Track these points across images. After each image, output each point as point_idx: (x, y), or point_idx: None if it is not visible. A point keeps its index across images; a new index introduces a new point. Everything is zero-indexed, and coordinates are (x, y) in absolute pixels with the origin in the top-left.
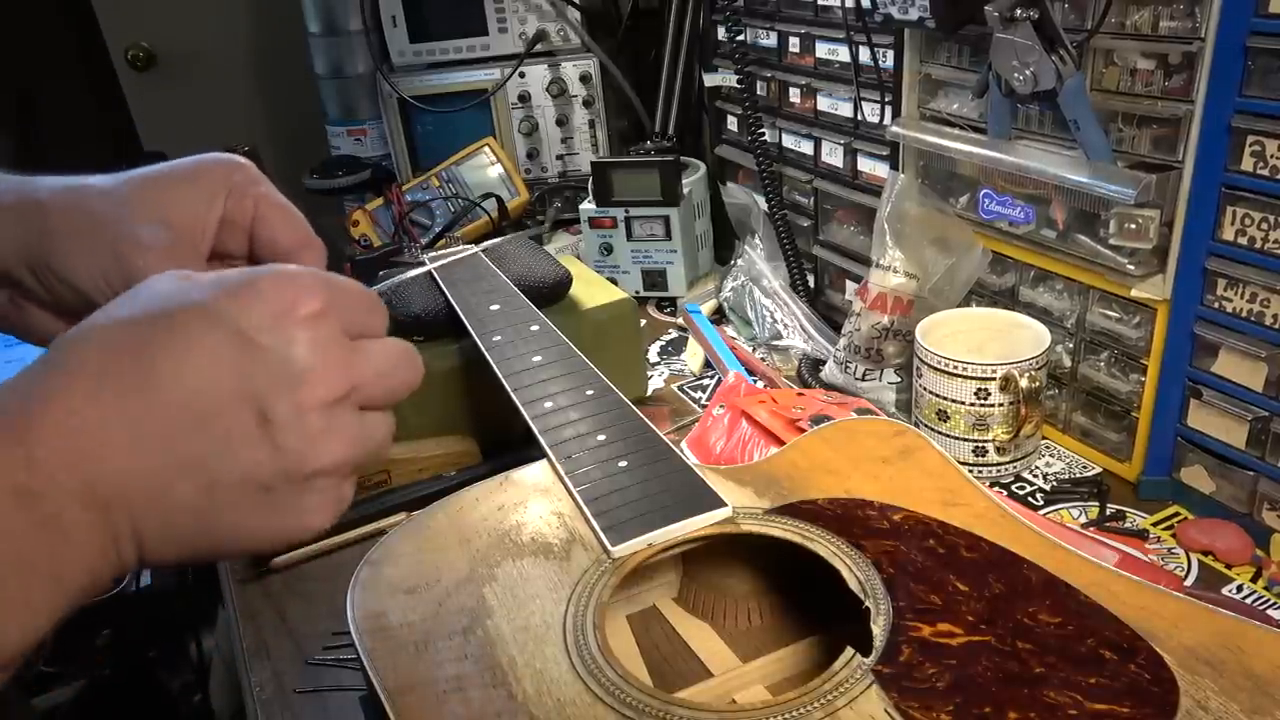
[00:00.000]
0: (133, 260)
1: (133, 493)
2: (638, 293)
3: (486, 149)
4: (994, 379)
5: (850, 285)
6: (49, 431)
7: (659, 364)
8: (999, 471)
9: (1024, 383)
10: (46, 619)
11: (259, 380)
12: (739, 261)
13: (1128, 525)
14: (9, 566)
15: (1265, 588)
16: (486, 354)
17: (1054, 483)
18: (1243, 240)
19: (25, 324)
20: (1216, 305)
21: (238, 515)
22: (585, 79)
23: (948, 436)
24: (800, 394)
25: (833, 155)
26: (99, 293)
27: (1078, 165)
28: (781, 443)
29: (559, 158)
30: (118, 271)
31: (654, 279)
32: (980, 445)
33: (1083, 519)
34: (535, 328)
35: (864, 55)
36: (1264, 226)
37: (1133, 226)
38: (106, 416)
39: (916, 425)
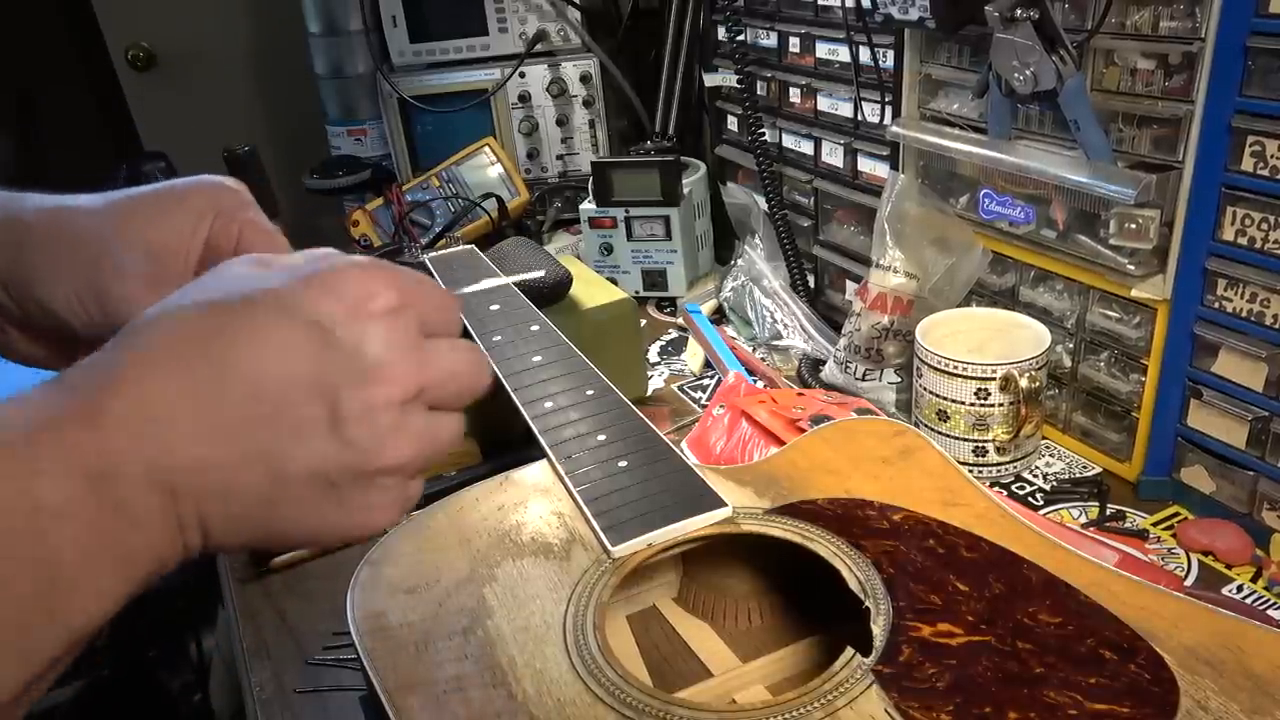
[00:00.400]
0: (111, 287)
1: (201, 480)
2: (638, 293)
3: (486, 149)
4: (994, 379)
5: (850, 285)
6: (121, 417)
7: (659, 364)
8: (999, 471)
9: (1024, 383)
10: (113, 603)
11: (332, 373)
12: (739, 261)
13: (1128, 525)
14: (80, 550)
15: (1265, 588)
16: (487, 354)
17: (1054, 483)
18: (1243, 240)
19: (2, 342)
20: (1216, 305)
21: (303, 508)
22: (585, 79)
23: (948, 436)
24: (800, 394)
25: (833, 155)
26: (72, 315)
27: (1078, 165)
28: (781, 443)
29: (559, 158)
30: (93, 297)
31: (654, 279)
32: (980, 445)
33: (1083, 519)
34: (535, 328)
35: (864, 55)
36: (1264, 226)
37: (1133, 226)
38: (177, 403)
39: (916, 425)
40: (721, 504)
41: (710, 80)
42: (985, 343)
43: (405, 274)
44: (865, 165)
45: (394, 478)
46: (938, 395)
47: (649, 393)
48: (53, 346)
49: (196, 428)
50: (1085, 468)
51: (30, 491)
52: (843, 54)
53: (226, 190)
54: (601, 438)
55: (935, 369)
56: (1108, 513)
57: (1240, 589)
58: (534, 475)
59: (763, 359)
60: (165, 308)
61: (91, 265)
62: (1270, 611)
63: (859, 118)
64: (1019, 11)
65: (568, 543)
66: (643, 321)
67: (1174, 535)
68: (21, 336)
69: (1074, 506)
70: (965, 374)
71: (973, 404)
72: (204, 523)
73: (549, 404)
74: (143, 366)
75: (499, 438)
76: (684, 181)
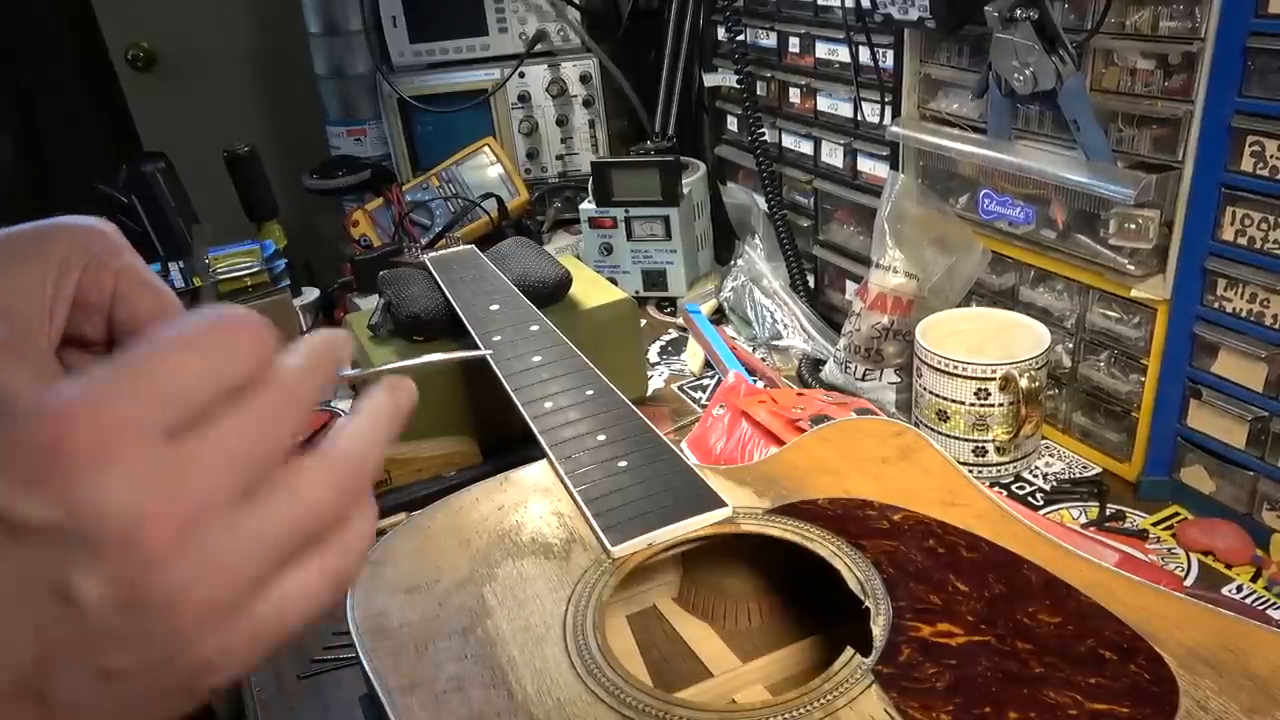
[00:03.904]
0: None
1: None
2: (638, 293)
3: (486, 149)
4: (994, 379)
5: (850, 285)
6: None
7: (659, 364)
8: (999, 471)
9: (1024, 383)
10: None
11: (47, 564)
12: (739, 261)
13: (1128, 525)
14: None
15: (1265, 588)
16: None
17: (1054, 483)
18: (1242, 240)
19: None
20: (1216, 305)
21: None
22: (585, 79)
23: (948, 436)
24: (800, 394)
25: (833, 155)
26: None
27: (1078, 165)
28: (781, 443)
29: (559, 158)
30: None
31: (654, 279)
32: (980, 445)
33: (1083, 519)
34: (535, 328)
35: (864, 55)
36: (1264, 226)
37: (1132, 226)
38: None
39: (916, 425)
40: (721, 504)
41: (710, 80)
42: (985, 343)
43: (115, 372)
44: (865, 165)
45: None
46: (938, 395)
47: (649, 393)
48: None
49: None
50: (1085, 468)
51: None
52: (842, 54)
53: (95, 233)
54: (601, 438)
55: (935, 369)
56: (1108, 513)
57: (1240, 589)
58: (534, 475)
59: (763, 359)
60: None
61: None
62: (1270, 611)
63: (859, 118)
64: (1019, 11)
65: (568, 543)
66: (643, 321)
67: (1174, 535)
68: None
69: (1074, 506)
70: (965, 374)
71: (973, 404)
72: None
73: (549, 404)
74: None
75: (499, 438)
76: (684, 181)
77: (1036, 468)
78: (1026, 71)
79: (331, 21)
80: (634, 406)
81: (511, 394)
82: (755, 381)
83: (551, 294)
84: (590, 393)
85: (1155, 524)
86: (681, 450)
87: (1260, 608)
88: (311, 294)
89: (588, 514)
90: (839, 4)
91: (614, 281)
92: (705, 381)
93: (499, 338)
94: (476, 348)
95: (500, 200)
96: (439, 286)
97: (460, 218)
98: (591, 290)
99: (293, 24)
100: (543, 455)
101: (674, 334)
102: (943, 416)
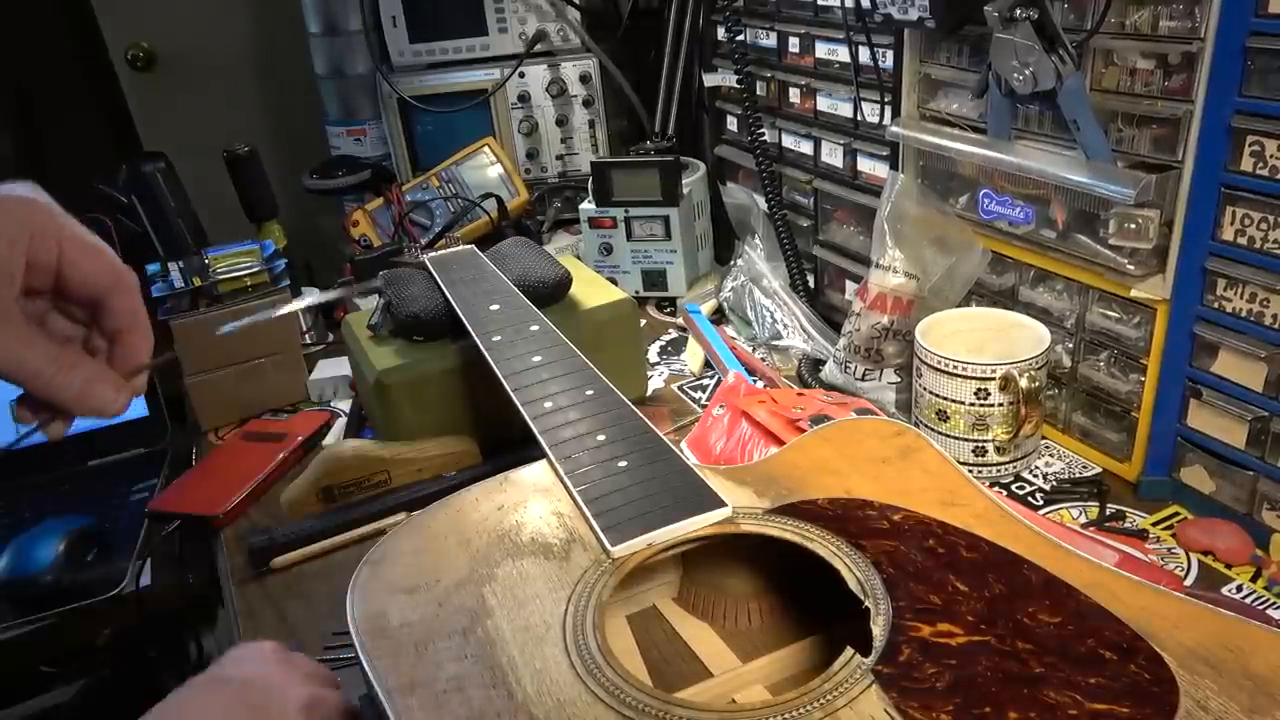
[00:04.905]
0: None
1: None
2: (638, 293)
3: (486, 149)
4: (994, 379)
5: (850, 285)
6: None
7: (659, 364)
8: (999, 471)
9: (1024, 383)
10: None
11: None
12: (739, 261)
13: (1128, 525)
14: None
15: (1265, 588)
16: (486, 354)
17: (1054, 483)
18: (1242, 240)
19: None
20: (1216, 305)
21: None
22: (585, 79)
23: (948, 436)
24: (800, 394)
25: (832, 155)
26: None
27: (1077, 165)
28: (781, 443)
29: (559, 158)
30: None
31: (654, 279)
32: (980, 445)
33: (1083, 519)
34: (535, 328)
35: (864, 55)
36: (1264, 226)
37: (1132, 226)
38: None
39: (916, 425)
40: (721, 504)
41: (710, 80)
42: (985, 343)
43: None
44: (865, 165)
45: None
46: (938, 395)
47: (649, 393)
48: None
49: None
50: (1085, 467)
51: None
52: (842, 54)
53: (34, 206)
54: (601, 438)
55: (935, 369)
56: (1108, 512)
57: (1240, 589)
58: (534, 475)
59: (763, 359)
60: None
61: None
62: (1270, 611)
63: (858, 118)
64: (1018, 11)
65: (567, 543)
66: (643, 321)
67: (1174, 535)
68: None
69: (1074, 506)
70: (965, 374)
71: (972, 404)
72: None
73: (549, 404)
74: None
75: (499, 438)
76: (684, 181)
77: (1036, 468)
78: (1026, 71)
79: (331, 21)
80: (634, 406)
81: (511, 394)
82: (755, 381)
83: (551, 294)
84: (590, 393)
85: (1155, 524)
86: (681, 450)
87: (1260, 608)
88: (311, 294)
89: (587, 514)
90: (839, 4)
91: (614, 281)
92: (705, 381)
93: (499, 338)
94: (476, 347)
95: (500, 200)
96: (439, 286)
97: (460, 218)
98: (591, 290)
99: (293, 24)
100: (543, 455)
101: (674, 334)
102: (943, 416)
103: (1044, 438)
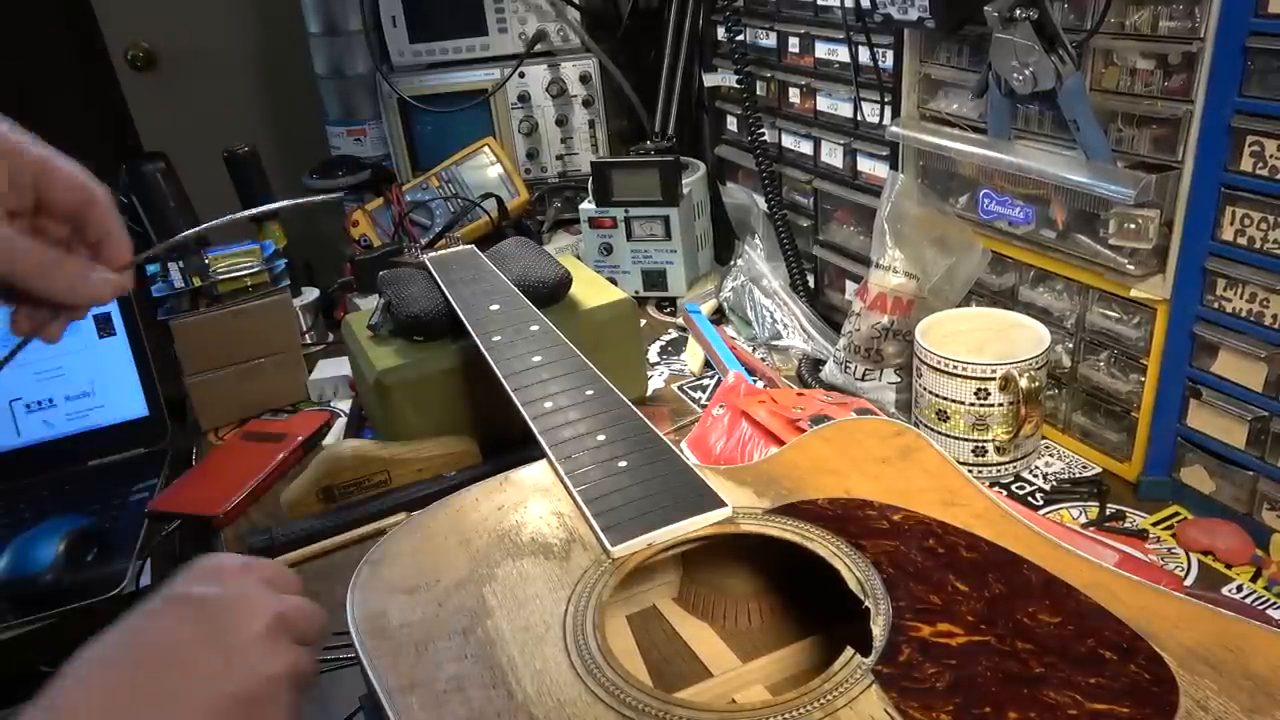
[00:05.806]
0: None
1: None
2: (638, 293)
3: (486, 149)
4: (994, 379)
5: (850, 285)
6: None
7: (659, 364)
8: (999, 471)
9: (1024, 383)
10: None
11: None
12: (739, 261)
13: (1128, 525)
14: None
15: (1265, 588)
16: (486, 354)
17: (1054, 483)
18: (1242, 240)
19: None
20: (1216, 305)
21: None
22: (585, 79)
23: (948, 436)
24: (800, 394)
25: (832, 155)
26: None
27: (1077, 165)
28: (781, 443)
29: (559, 158)
30: None
31: (654, 279)
32: (980, 445)
33: (1083, 519)
34: (535, 328)
35: (864, 55)
36: (1263, 226)
37: (1132, 226)
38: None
39: (916, 425)
40: (721, 504)
41: (710, 80)
42: (985, 343)
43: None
44: (865, 165)
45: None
46: (937, 395)
47: (649, 393)
48: None
49: None
50: (1085, 467)
51: None
52: (842, 54)
53: (8, 136)
54: (601, 438)
55: (935, 369)
56: (1108, 512)
57: (1240, 589)
58: (534, 475)
59: (763, 359)
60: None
61: None
62: (1270, 611)
63: (858, 118)
64: (1018, 11)
65: (567, 543)
66: (643, 321)
67: (1174, 535)
68: None
69: (1074, 506)
70: (965, 374)
71: (972, 404)
72: None
73: (549, 404)
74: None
75: (499, 438)
76: (684, 181)
77: (1036, 467)
78: (1026, 71)
79: (331, 21)
80: (634, 406)
81: (511, 394)
82: (755, 381)
83: (551, 294)
84: (590, 393)
85: (1155, 524)
86: (681, 450)
87: (1260, 608)
88: (311, 294)
89: (587, 514)
90: (839, 4)
91: (614, 281)
92: (705, 381)
93: (499, 338)
94: (477, 348)
95: (500, 200)
96: (439, 286)
97: (460, 218)
98: (591, 290)
99: (293, 24)
100: (543, 455)
101: (674, 334)
102: (943, 416)
103: (1044, 438)
